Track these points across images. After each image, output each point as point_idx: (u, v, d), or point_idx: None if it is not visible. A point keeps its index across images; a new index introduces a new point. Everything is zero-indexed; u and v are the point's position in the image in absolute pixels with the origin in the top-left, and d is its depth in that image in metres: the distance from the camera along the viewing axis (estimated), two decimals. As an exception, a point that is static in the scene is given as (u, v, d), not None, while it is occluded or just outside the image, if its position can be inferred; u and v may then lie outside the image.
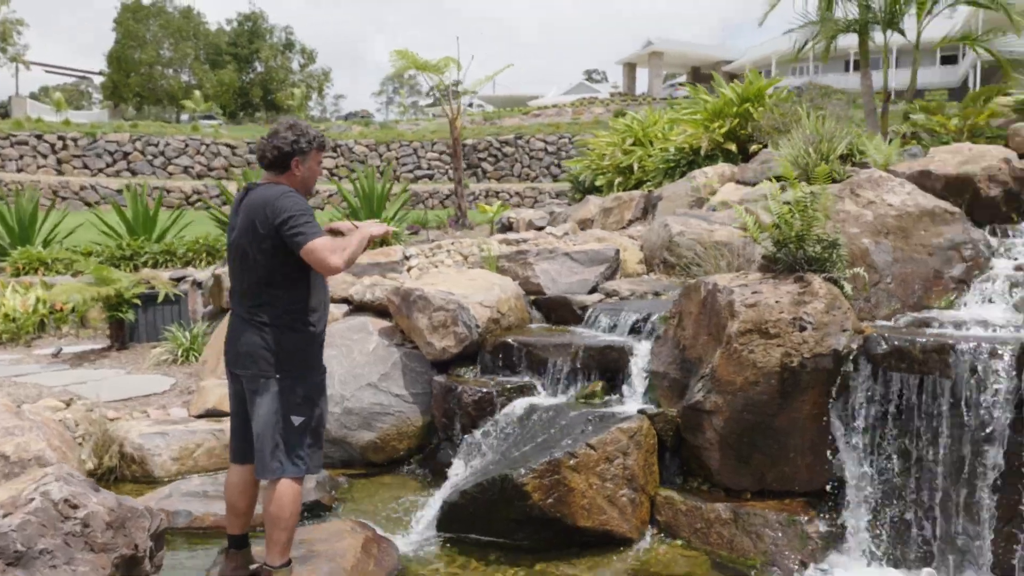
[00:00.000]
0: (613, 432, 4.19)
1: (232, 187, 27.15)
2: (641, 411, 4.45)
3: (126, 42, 46.67)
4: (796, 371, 3.92)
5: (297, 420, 3.15)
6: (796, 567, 3.79)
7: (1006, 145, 7.03)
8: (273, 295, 3.16)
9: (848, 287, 4.23)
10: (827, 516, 3.93)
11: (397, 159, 33.76)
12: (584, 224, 11.11)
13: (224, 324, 6.96)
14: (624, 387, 4.87)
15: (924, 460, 3.71)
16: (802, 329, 3.96)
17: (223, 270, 7.55)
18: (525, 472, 4.02)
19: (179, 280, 10.22)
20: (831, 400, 3.95)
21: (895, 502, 3.78)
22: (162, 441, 5.11)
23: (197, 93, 44.22)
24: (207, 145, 32.29)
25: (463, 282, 5.71)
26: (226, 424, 5.32)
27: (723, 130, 10.08)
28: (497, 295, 5.57)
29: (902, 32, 9.36)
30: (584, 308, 5.83)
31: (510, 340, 5.24)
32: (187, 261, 11.45)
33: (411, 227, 11.70)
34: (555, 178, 33.39)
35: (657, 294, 6.02)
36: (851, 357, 3.89)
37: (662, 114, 12.11)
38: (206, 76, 47.40)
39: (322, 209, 25.25)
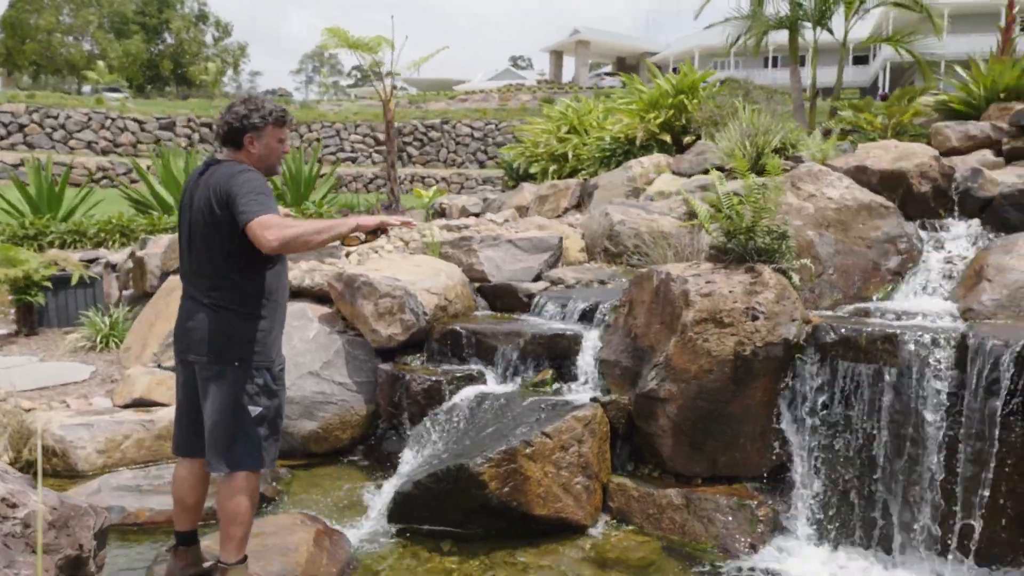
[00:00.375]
0: (568, 420, 4.18)
1: (144, 163, 26.01)
2: (594, 399, 4.45)
3: (21, 6, 43.84)
4: (749, 359, 3.99)
5: (255, 411, 2.99)
6: (746, 550, 3.87)
7: (928, 143, 7.34)
8: (231, 278, 2.98)
9: (796, 278, 4.33)
10: (776, 500, 4.03)
11: (319, 140, 32.92)
12: (519, 211, 11.07)
13: (148, 309, 6.63)
14: (574, 375, 4.86)
15: (869, 445, 3.83)
16: (754, 319, 4.02)
17: (145, 252, 7.19)
18: (482, 461, 3.96)
19: (91, 262, 9.70)
20: (781, 387, 4.05)
21: (841, 485, 3.89)
22: (86, 433, 4.82)
23: (101, 64, 41.96)
24: (112, 119, 30.72)
25: (408, 268, 5.59)
26: (156, 414, 5.10)
27: (658, 121, 10.19)
28: (444, 282, 5.47)
29: (830, 31, 9.65)
30: (530, 296, 5.79)
31: (458, 328, 5.16)
32: (99, 242, 10.85)
33: (341, 211, 11.45)
34: (482, 164, 33.29)
35: (603, 282, 6.04)
36: (801, 346, 3.99)
37: (597, 103, 12.17)
38: (110, 46, 45.01)
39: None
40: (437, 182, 29.99)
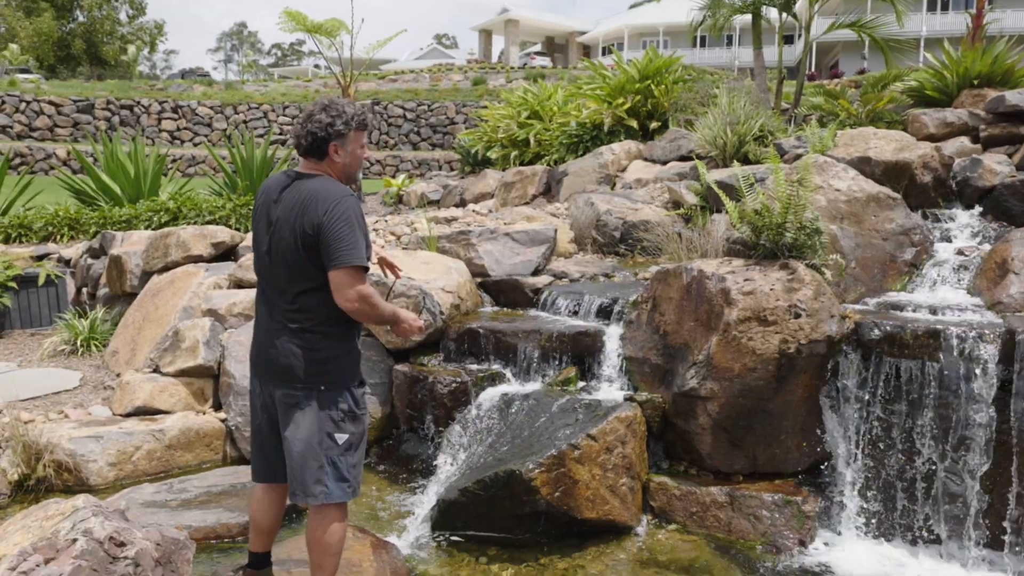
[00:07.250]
0: (611, 422, 4.16)
1: (60, 150, 24.80)
2: (630, 398, 4.43)
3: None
4: (792, 357, 4.03)
5: (341, 438, 2.85)
6: (794, 546, 3.93)
7: (904, 130, 7.55)
8: (317, 298, 2.83)
9: (828, 274, 4.39)
10: (820, 495, 4.10)
11: (246, 123, 31.88)
12: (482, 198, 10.95)
13: (133, 311, 6.28)
14: (597, 373, 4.83)
15: (913, 440, 3.93)
16: (797, 316, 4.07)
17: (123, 250, 6.80)
18: (533, 467, 3.91)
19: (40, 258, 9.16)
20: (822, 383, 4.11)
21: (887, 480, 3.99)
22: (96, 446, 4.55)
23: (14, 46, 39.40)
24: (27, 102, 28.97)
25: (417, 266, 5.45)
26: (164, 423, 4.88)
27: (625, 107, 10.21)
28: (456, 279, 5.36)
29: (794, 16, 9.82)
30: (536, 291, 5.73)
31: (476, 327, 5.06)
32: (45, 236, 10.22)
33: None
34: (415, 146, 32.87)
35: (607, 276, 6.01)
36: (842, 342, 4.06)
37: (557, 88, 12.11)
38: (19, 24, 42.36)
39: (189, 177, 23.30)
40: (371, 165, 29.47)
